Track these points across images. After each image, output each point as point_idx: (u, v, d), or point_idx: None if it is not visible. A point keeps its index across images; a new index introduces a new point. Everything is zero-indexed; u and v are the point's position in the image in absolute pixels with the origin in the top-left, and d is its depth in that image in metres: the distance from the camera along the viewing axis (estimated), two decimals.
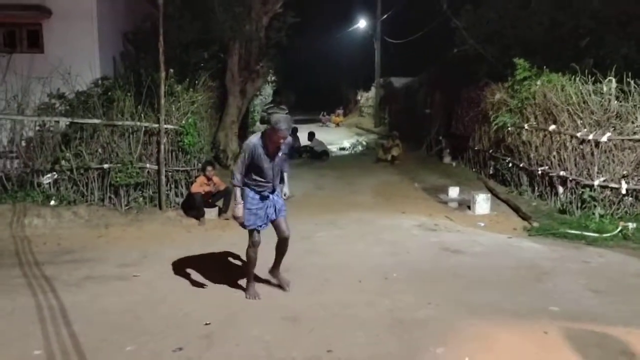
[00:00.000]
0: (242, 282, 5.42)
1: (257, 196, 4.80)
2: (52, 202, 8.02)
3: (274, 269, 5.15)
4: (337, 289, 5.19)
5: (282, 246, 4.98)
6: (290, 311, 4.60)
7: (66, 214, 7.85)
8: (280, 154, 4.76)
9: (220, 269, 5.90)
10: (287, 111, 11.63)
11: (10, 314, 4.60)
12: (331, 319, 4.45)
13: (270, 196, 4.85)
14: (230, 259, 6.31)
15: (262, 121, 11.84)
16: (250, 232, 4.87)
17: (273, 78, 20.07)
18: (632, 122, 7.60)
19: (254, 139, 4.71)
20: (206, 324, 4.34)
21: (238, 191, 4.77)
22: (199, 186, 8.19)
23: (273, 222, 4.89)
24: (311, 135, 16.54)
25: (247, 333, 4.18)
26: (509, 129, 10.17)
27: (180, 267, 5.96)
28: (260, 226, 4.85)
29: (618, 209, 7.63)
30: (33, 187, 8.16)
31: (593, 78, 8.08)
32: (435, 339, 4.05)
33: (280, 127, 4.51)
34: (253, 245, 4.88)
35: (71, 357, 3.79)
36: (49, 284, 5.34)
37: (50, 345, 3.96)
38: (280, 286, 5.13)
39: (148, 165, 8.35)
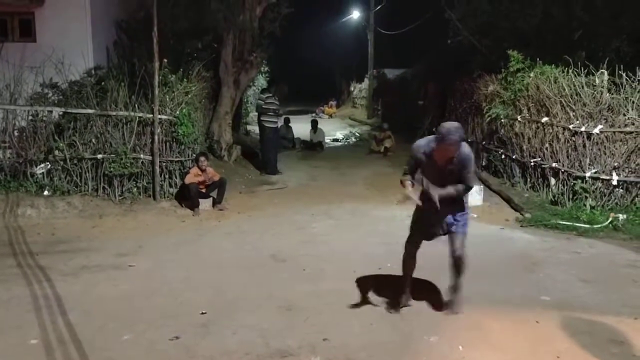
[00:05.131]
0: (239, 270, 5.46)
1: (424, 212, 4.23)
2: (46, 192, 7.99)
3: (450, 286, 4.45)
4: (332, 279, 5.24)
5: (453, 264, 4.29)
6: (285, 300, 4.65)
7: (60, 204, 7.83)
8: (453, 167, 3.99)
9: (215, 258, 5.94)
10: (278, 103, 11.68)
11: (6, 303, 4.61)
12: (326, 308, 4.49)
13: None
14: (225, 248, 6.34)
15: (258, 109, 11.77)
16: (409, 235, 4.43)
17: (266, 69, 20.00)
18: (624, 115, 7.66)
19: (423, 141, 4.17)
20: (202, 313, 4.37)
21: (408, 185, 4.17)
22: (193, 177, 8.19)
23: (450, 236, 4.27)
24: (314, 123, 16.48)
25: (243, 322, 4.22)
26: (502, 120, 10.21)
27: (175, 256, 6.00)
28: (420, 237, 4.37)
29: (609, 200, 7.71)
30: (26, 177, 8.11)
31: (585, 70, 8.13)
32: (429, 328, 4.11)
33: (450, 141, 3.81)
34: (405, 251, 4.45)
35: (68, 346, 3.80)
36: (44, 273, 5.34)
37: (47, 334, 3.97)
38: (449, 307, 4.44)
39: (142, 155, 8.33)
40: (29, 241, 6.60)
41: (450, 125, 3.85)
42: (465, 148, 3.96)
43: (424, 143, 4.13)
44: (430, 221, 4.25)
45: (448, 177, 4.04)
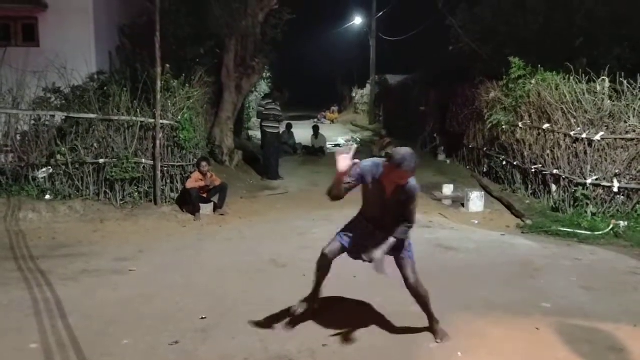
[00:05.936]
0: (239, 275, 5.47)
1: (360, 224, 4.09)
2: (47, 197, 8.02)
3: (429, 320, 4.11)
4: (332, 284, 5.21)
5: (414, 296, 4.02)
6: (285, 305, 4.63)
7: (61, 208, 7.85)
8: (400, 197, 3.73)
9: (216, 263, 5.94)
10: (279, 109, 11.73)
11: (6, 307, 4.60)
12: (326, 314, 4.48)
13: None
14: (226, 253, 6.34)
15: (259, 116, 11.84)
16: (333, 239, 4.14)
17: (268, 74, 20.05)
18: (625, 122, 7.68)
19: (369, 163, 3.79)
20: (202, 318, 4.37)
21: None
22: (194, 182, 8.22)
23: (397, 263, 4.03)
24: (316, 129, 16.52)
25: (242, 327, 4.22)
26: (503, 127, 10.23)
27: (175, 261, 6.00)
28: (339, 245, 4.14)
29: (610, 207, 7.71)
30: (28, 181, 8.14)
31: (587, 77, 8.15)
32: (428, 334, 4.09)
33: (407, 168, 3.50)
34: (322, 253, 4.17)
35: (68, 350, 3.80)
36: (44, 277, 5.34)
37: (47, 338, 3.97)
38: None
39: (144, 160, 8.36)
40: (30, 245, 6.61)
41: (406, 152, 3.53)
42: (413, 179, 3.70)
43: (371, 165, 3.76)
44: (363, 239, 4.02)
45: (392, 208, 3.80)
